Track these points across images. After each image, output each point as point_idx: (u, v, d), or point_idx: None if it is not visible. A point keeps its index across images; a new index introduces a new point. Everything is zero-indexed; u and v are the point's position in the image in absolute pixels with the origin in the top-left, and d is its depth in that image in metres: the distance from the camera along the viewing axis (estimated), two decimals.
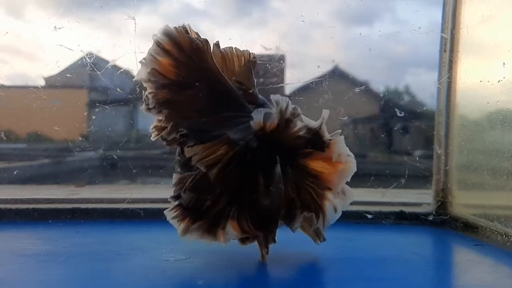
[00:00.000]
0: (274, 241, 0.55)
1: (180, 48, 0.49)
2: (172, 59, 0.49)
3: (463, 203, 0.78)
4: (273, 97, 0.46)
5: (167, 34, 0.49)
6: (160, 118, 0.50)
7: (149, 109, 0.50)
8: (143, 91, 0.52)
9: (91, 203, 0.80)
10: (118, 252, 0.58)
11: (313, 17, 0.87)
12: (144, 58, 0.50)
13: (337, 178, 0.50)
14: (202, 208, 0.50)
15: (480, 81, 0.71)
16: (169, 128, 0.49)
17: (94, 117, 0.89)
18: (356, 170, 0.51)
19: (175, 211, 0.51)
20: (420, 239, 0.74)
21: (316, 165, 0.50)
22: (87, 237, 0.67)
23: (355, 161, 0.51)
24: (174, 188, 0.52)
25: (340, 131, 0.49)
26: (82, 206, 0.78)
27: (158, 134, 0.51)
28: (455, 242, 0.73)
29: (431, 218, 0.79)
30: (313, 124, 0.48)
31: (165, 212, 0.52)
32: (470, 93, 0.77)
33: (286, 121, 0.47)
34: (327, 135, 0.48)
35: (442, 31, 0.79)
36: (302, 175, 0.51)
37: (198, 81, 0.49)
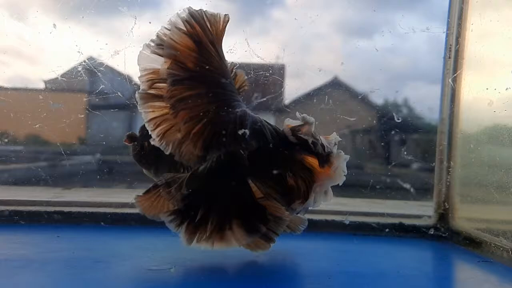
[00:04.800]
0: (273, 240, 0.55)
1: (204, 31, 0.48)
2: (194, 42, 0.48)
3: (466, 216, 0.74)
4: (300, 115, 0.51)
5: (193, 15, 0.48)
6: (177, 121, 0.47)
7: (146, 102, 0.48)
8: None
9: (76, 206, 0.76)
10: (97, 259, 0.54)
11: (314, 28, 0.85)
12: (154, 42, 0.48)
13: (326, 180, 0.52)
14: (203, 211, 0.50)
15: (487, 89, 0.67)
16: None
17: (92, 120, 0.86)
18: (340, 183, 0.53)
19: (173, 216, 0.50)
20: (420, 253, 0.70)
21: (311, 161, 0.52)
22: (67, 242, 0.63)
23: (344, 178, 0.53)
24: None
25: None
26: (66, 209, 0.74)
27: (174, 150, 0.49)
28: (457, 257, 0.69)
29: (432, 232, 0.75)
30: (327, 147, 0.51)
31: (163, 218, 0.50)
32: (475, 101, 0.74)
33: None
34: (333, 158, 0.52)
35: (447, 36, 0.77)
36: (299, 167, 0.52)
37: (214, 67, 0.49)
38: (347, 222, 0.75)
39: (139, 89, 0.50)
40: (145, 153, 0.54)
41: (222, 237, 0.49)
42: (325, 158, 0.51)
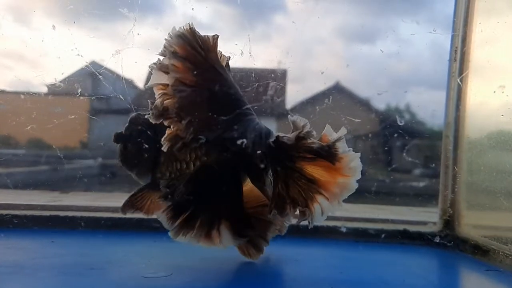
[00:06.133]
0: (267, 242, 0.55)
1: (194, 49, 0.47)
2: (187, 62, 0.47)
3: (473, 223, 0.72)
4: (291, 118, 0.47)
5: (180, 36, 0.47)
6: (180, 127, 0.46)
7: (160, 117, 0.47)
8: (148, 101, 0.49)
9: (72, 211, 0.74)
10: (92, 266, 0.52)
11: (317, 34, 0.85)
12: (157, 63, 0.47)
13: (337, 189, 0.48)
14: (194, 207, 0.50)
15: (494, 92, 0.65)
16: (190, 138, 0.47)
17: (94, 125, 0.85)
18: (356, 187, 0.48)
19: (167, 212, 0.50)
20: (426, 261, 0.68)
21: (314, 171, 0.48)
22: (62, 247, 0.62)
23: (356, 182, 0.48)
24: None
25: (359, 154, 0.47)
26: (62, 213, 0.72)
27: (171, 146, 0.47)
28: (463, 266, 0.67)
29: (438, 240, 0.73)
30: (331, 137, 0.47)
31: (156, 213, 0.51)
32: (482, 105, 0.72)
33: (298, 138, 0.47)
34: (341, 150, 0.47)
35: (452, 38, 0.75)
36: (295, 176, 0.49)
37: (211, 80, 0.48)
38: (344, 230, 0.73)
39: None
40: (128, 154, 0.54)
41: (209, 236, 0.49)
42: (329, 152, 0.46)
